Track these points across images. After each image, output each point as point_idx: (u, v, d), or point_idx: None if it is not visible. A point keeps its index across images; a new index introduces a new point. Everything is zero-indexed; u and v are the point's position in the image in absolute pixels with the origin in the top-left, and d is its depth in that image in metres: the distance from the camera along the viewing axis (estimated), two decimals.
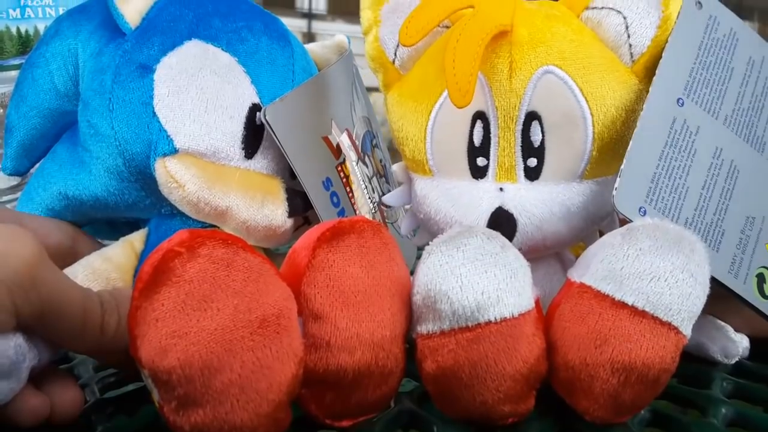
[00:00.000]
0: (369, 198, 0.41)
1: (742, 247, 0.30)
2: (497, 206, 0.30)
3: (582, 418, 0.27)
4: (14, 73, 0.51)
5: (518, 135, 0.31)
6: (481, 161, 0.32)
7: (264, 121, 0.32)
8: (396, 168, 0.36)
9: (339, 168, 0.38)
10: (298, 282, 0.24)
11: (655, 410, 0.29)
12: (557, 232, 0.31)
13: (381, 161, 0.45)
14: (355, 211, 0.38)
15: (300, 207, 0.34)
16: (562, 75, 0.30)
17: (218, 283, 0.22)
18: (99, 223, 0.37)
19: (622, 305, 0.24)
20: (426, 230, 0.35)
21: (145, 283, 0.21)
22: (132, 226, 0.36)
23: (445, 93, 0.32)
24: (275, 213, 0.33)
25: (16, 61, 0.35)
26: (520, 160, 0.31)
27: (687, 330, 0.24)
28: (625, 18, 0.32)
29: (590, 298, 0.25)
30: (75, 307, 0.24)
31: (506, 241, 0.27)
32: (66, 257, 0.33)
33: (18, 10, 0.52)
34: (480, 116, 0.31)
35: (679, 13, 0.31)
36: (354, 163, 0.40)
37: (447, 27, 0.34)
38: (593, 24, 0.32)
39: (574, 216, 0.31)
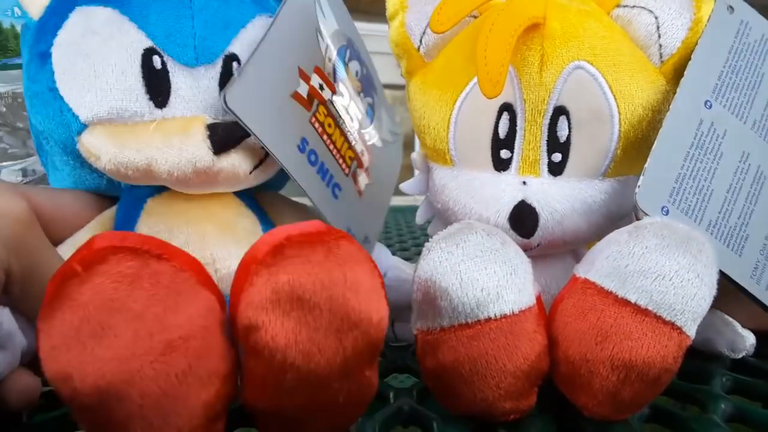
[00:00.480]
0: (348, 131, 0.38)
1: (766, 253, 0.30)
2: (520, 199, 0.30)
3: (582, 415, 0.27)
4: (18, 72, 0.50)
5: (545, 129, 0.31)
6: (504, 153, 0.31)
7: (227, 108, 0.30)
8: (415, 156, 0.36)
9: (313, 119, 0.35)
10: (236, 307, 0.22)
11: (655, 406, 0.30)
12: (577, 228, 0.31)
13: (357, 74, 0.41)
14: (335, 158, 0.36)
15: (224, 139, 0.31)
16: (592, 71, 0.30)
17: (117, 306, 0.20)
18: None
19: (625, 303, 0.24)
20: (441, 220, 0.35)
21: (44, 305, 0.19)
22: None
23: (471, 83, 0.31)
24: (197, 153, 0.30)
25: (19, 60, 0.34)
26: (545, 154, 0.31)
27: (691, 330, 0.24)
28: (656, 18, 0.31)
29: (593, 294, 0.25)
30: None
31: (506, 237, 0.27)
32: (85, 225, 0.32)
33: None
34: (507, 108, 0.31)
35: (710, 16, 0.31)
36: (329, 103, 0.37)
37: (475, 17, 0.34)
38: (623, 22, 0.32)
39: (594, 213, 0.31)
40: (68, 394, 0.19)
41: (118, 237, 0.20)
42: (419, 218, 0.37)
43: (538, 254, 0.32)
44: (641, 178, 0.28)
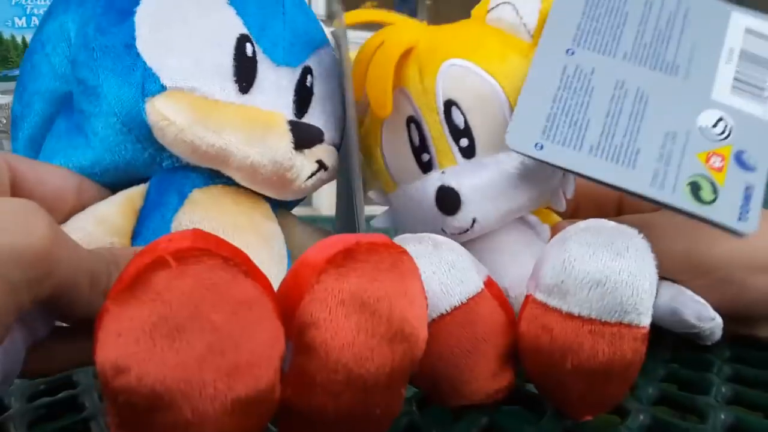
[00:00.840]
0: None
1: (664, 161, 0.31)
2: (439, 185, 0.34)
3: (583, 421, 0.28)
4: None
5: (443, 123, 0.35)
6: (425, 157, 0.36)
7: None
8: (371, 194, 0.41)
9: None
10: (296, 303, 0.22)
11: (654, 416, 0.30)
12: (507, 197, 0.34)
13: None
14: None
15: (306, 137, 0.32)
16: (464, 64, 0.35)
17: (199, 313, 0.19)
18: None
19: (571, 317, 0.26)
20: None
21: (123, 286, 0.18)
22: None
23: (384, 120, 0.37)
24: (279, 145, 0.30)
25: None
26: (453, 143, 0.35)
27: (642, 321, 0.25)
28: (513, 5, 0.36)
29: (542, 313, 0.27)
30: (84, 279, 0.22)
31: (438, 239, 0.29)
32: (64, 208, 0.30)
33: (24, 19, 0.50)
34: (411, 120, 0.36)
35: None
36: None
37: None
38: (496, 22, 0.37)
39: (518, 179, 0.34)
40: (117, 386, 0.18)
41: (213, 241, 0.20)
42: (375, 223, 0.41)
43: (483, 232, 0.35)
44: (510, 122, 0.32)
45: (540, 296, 0.27)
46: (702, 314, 0.34)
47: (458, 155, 0.35)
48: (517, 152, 0.31)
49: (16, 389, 0.35)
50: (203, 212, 0.30)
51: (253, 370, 0.20)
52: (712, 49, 0.34)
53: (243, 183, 0.31)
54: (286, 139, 0.31)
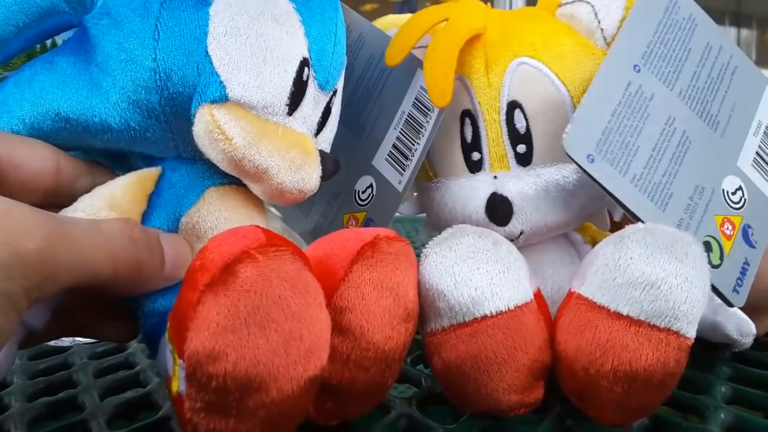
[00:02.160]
0: None
1: (689, 213, 0.31)
2: (492, 192, 0.32)
3: (586, 421, 0.28)
4: None
5: (503, 125, 0.33)
6: (475, 156, 0.34)
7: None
8: None
9: None
10: (331, 291, 0.24)
11: (656, 416, 0.30)
12: (556, 211, 0.32)
13: None
14: None
15: (331, 171, 0.32)
16: (536, 64, 0.32)
17: (281, 303, 0.21)
18: (92, 152, 0.32)
19: (618, 316, 0.25)
20: (438, 232, 0.36)
21: (214, 279, 0.20)
22: (128, 158, 0.32)
23: None
24: (311, 176, 0.30)
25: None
26: (510, 148, 0.33)
27: (689, 332, 0.24)
28: (593, 6, 0.34)
29: (587, 310, 0.26)
30: (103, 268, 0.23)
31: (498, 237, 0.28)
32: (42, 190, 0.28)
33: None
34: (467, 114, 0.34)
35: None
36: None
37: None
38: (567, 18, 0.35)
39: (571, 194, 0.32)
40: (212, 371, 0.20)
41: (277, 236, 0.22)
42: (422, 235, 0.39)
43: (526, 243, 0.33)
44: (569, 125, 0.30)
45: (586, 292, 0.26)
46: (743, 329, 0.34)
47: (512, 161, 0.33)
48: (571, 158, 0.29)
49: (16, 389, 0.35)
50: (217, 212, 0.30)
51: (319, 352, 0.22)
52: (745, 116, 0.34)
53: (258, 194, 0.31)
54: (317, 172, 0.31)
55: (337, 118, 0.35)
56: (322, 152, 0.32)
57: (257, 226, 0.22)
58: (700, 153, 0.32)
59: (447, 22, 0.33)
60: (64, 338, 0.44)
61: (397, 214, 0.36)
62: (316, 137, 0.33)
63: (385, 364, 0.26)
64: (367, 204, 0.36)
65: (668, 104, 0.32)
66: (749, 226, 0.32)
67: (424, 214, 0.39)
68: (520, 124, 0.32)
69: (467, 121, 0.34)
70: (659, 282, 0.24)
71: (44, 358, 0.42)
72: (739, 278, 0.31)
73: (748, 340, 0.34)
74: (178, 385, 0.21)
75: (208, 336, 0.19)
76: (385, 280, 0.25)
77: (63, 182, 0.29)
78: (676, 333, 0.24)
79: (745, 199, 0.33)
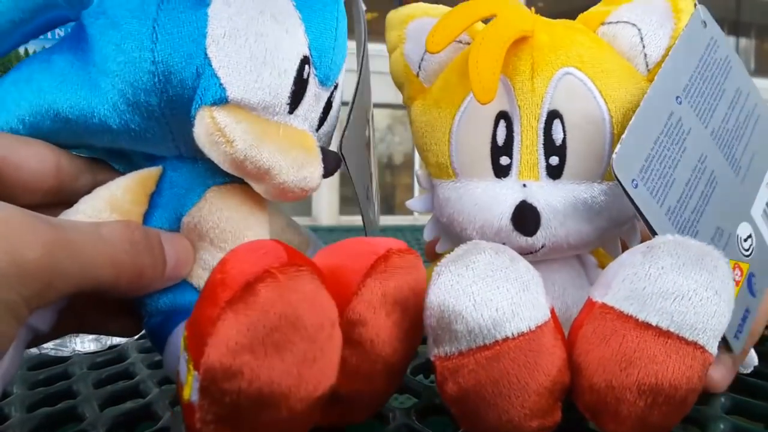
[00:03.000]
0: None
1: None
2: (521, 200, 0.31)
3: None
4: None
5: (540, 133, 0.32)
6: (504, 160, 0.32)
7: (341, 155, 0.31)
8: (419, 172, 0.37)
9: (369, 164, 0.39)
10: (343, 303, 0.24)
11: None
12: (580, 229, 0.31)
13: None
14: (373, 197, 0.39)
15: (333, 168, 0.32)
16: (581, 77, 0.31)
17: (299, 324, 0.21)
18: (94, 150, 0.32)
19: (646, 326, 0.24)
20: (448, 235, 0.36)
21: (236, 296, 0.20)
22: (129, 155, 0.32)
23: (468, 98, 0.33)
24: (313, 175, 0.30)
25: None
26: (543, 158, 0.32)
27: (713, 348, 0.24)
28: (639, 30, 0.33)
29: (613, 320, 0.25)
30: (105, 273, 0.23)
31: (514, 253, 0.27)
32: (42, 190, 0.28)
33: None
34: (503, 116, 0.32)
35: (687, 23, 0.33)
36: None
37: (468, 43, 0.36)
38: (609, 38, 0.34)
39: (596, 215, 0.31)
40: (227, 388, 0.20)
41: (296, 253, 0.22)
42: (426, 235, 0.38)
43: (542, 259, 0.32)
44: (619, 146, 0.29)
45: (612, 301, 0.25)
46: (746, 362, 0.33)
47: (543, 171, 0.32)
48: (618, 179, 0.28)
49: (15, 399, 0.35)
50: (219, 212, 0.30)
51: (330, 372, 0.23)
52: (761, 166, 0.34)
53: (260, 193, 0.30)
54: (319, 170, 0.31)
55: (338, 112, 0.35)
56: (323, 149, 0.31)
57: (278, 242, 0.22)
58: (723, 195, 0.32)
59: (495, 18, 0.32)
60: (63, 348, 0.44)
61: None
62: (317, 132, 0.33)
63: (391, 376, 0.27)
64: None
65: (702, 141, 0.32)
66: (753, 275, 0.32)
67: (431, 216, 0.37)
68: (558, 136, 0.31)
69: (502, 123, 0.32)
70: (690, 293, 0.24)
71: (44, 368, 0.42)
72: (740, 325, 0.31)
73: (749, 371, 0.34)
74: (190, 393, 0.21)
75: (226, 353, 0.20)
76: (397, 294, 0.26)
77: (64, 181, 0.29)
78: (702, 348, 0.24)
79: (753, 248, 0.33)
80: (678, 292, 0.24)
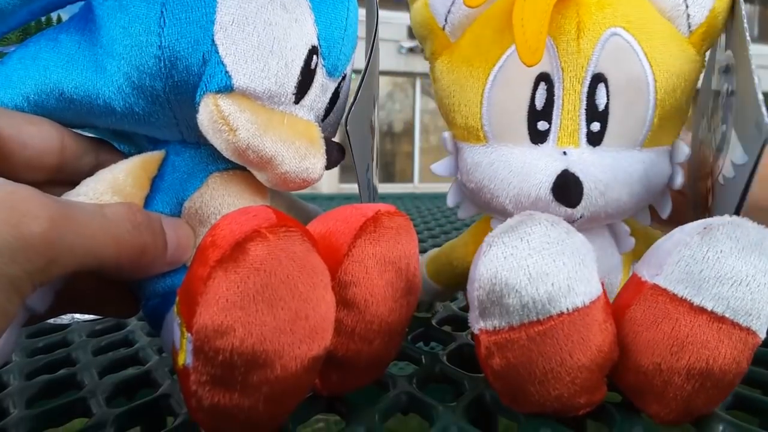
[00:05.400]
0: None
1: None
2: (563, 169, 0.29)
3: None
4: None
5: (583, 98, 0.30)
6: (542, 125, 0.31)
7: (345, 132, 0.30)
8: (446, 135, 0.35)
9: (371, 147, 0.38)
10: (335, 266, 0.25)
11: (649, 422, 0.29)
12: (619, 199, 0.30)
13: None
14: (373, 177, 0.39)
15: (336, 159, 0.32)
16: (628, 38, 0.30)
17: (290, 282, 0.21)
18: (98, 130, 0.32)
19: (701, 310, 0.24)
20: (474, 202, 0.34)
21: (225, 255, 0.20)
22: (132, 137, 0.32)
23: (504, 55, 0.31)
24: (315, 166, 0.30)
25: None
26: (584, 123, 0.30)
27: (764, 332, 0.24)
28: None
29: (666, 302, 0.24)
30: (108, 252, 0.23)
31: (569, 226, 0.26)
32: (47, 168, 0.28)
33: None
34: (544, 78, 0.30)
35: None
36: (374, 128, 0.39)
37: None
38: None
39: (635, 184, 0.30)
40: (219, 345, 0.20)
41: (286, 217, 0.22)
42: (450, 201, 0.36)
43: (579, 229, 0.30)
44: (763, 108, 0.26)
45: (665, 283, 0.24)
46: None
47: (584, 138, 0.30)
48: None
49: (15, 366, 0.35)
50: (220, 198, 0.30)
51: (323, 332, 0.23)
52: None
53: (261, 181, 0.30)
54: (322, 161, 0.31)
55: (345, 103, 0.35)
56: (327, 140, 0.31)
57: (268, 206, 0.23)
58: None
59: None
60: (63, 316, 0.44)
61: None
62: (323, 122, 0.33)
63: (389, 337, 0.27)
64: None
65: None
66: None
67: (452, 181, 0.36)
68: (601, 101, 0.30)
69: (542, 85, 0.30)
70: (749, 279, 0.23)
71: (43, 336, 0.42)
72: None
73: None
74: (184, 358, 0.21)
75: (217, 311, 0.20)
76: (388, 254, 0.26)
77: (68, 160, 0.29)
78: (755, 333, 0.23)
79: None
80: (736, 278, 0.23)
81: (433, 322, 0.43)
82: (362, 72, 0.33)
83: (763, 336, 0.24)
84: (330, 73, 0.31)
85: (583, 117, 0.30)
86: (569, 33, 0.30)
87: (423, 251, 0.61)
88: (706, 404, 0.25)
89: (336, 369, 0.27)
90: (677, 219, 0.31)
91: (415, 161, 7.21)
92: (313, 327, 0.22)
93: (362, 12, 0.35)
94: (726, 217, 0.25)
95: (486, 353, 0.25)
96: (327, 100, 0.32)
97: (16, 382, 0.33)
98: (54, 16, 0.32)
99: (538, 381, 0.25)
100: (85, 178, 0.29)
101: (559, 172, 0.29)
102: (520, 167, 0.30)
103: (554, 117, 0.30)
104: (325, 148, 0.31)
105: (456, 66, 0.33)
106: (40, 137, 0.28)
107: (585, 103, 0.30)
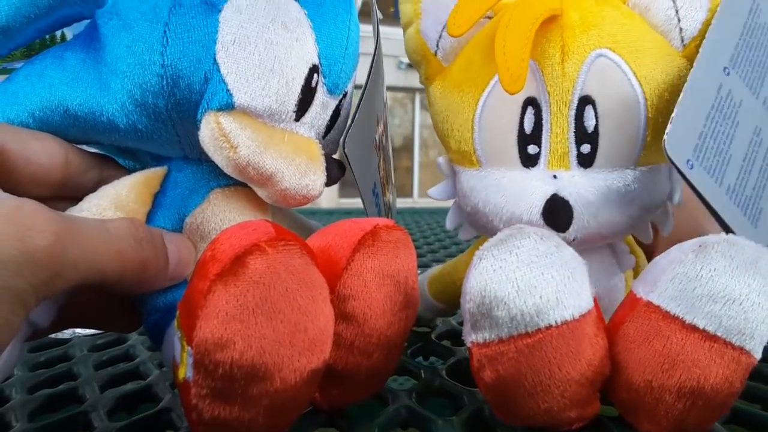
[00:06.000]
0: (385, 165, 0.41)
1: None
2: (552, 193, 0.29)
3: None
4: None
5: (571, 120, 0.30)
6: (532, 149, 0.31)
7: (344, 153, 0.31)
8: (441, 160, 0.35)
9: (378, 166, 0.38)
10: (334, 280, 0.25)
11: None
12: (613, 220, 0.30)
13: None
14: (383, 198, 0.39)
15: (336, 176, 0.32)
16: (615, 58, 0.29)
17: (289, 295, 0.21)
18: (100, 146, 0.32)
19: (693, 328, 0.24)
20: (472, 225, 0.35)
21: (225, 269, 0.20)
22: (136, 153, 0.32)
23: (492, 81, 0.31)
24: (315, 183, 0.30)
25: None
26: (574, 146, 0.30)
27: (758, 353, 0.24)
28: (674, 2, 0.31)
29: (658, 320, 0.24)
30: (111, 266, 0.23)
31: (560, 239, 0.26)
32: (51, 184, 0.28)
33: None
34: (531, 102, 0.30)
35: None
36: (381, 147, 0.40)
37: (489, 18, 0.34)
38: (641, 9, 0.32)
39: (630, 203, 0.30)
40: (219, 358, 0.20)
41: (285, 231, 0.22)
42: (449, 224, 0.36)
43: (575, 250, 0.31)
44: (669, 125, 0.27)
45: (659, 300, 0.24)
46: None
47: (574, 161, 0.30)
48: (672, 162, 0.27)
49: (16, 380, 0.35)
50: (221, 214, 0.30)
51: (322, 345, 0.23)
52: None
53: (262, 197, 0.30)
54: (322, 178, 0.31)
55: (347, 119, 0.35)
56: (328, 157, 0.32)
57: (267, 221, 0.23)
58: None
59: None
60: (64, 330, 0.44)
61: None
62: (324, 139, 0.33)
63: (388, 350, 0.27)
64: None
65: (755, 113, 0.30)
66: None
67: (452, 203, 0.36)
68: (590, 122, 0.30)
69: (530, 109, 0.31)
70: (742, 298, 0.23)
71: (45, 350, 0.42)
72: None
73: None
74: (185, 371, 0.21)
75: (217, 324, 0.20)
76: (386, 267, 0.26)
77: (71, 176, 0.29)
78: (748, 353, 0.23)
79: None
80: (729, 296, 0.23)
81: (433, 336, 0.43)
82: (361, 91, 0.34)
83: (758, 356, 0.24)
84: (331, 91, 0.32)
85: (573, 139, 0.30)
86: (554, 57, 0.30)
87: (422, 266, 0.61)
88: (698, 423, 0.25)
89: (335, 383, 0.27)
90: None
91: (414, 176, 7.22)
92: (312, 340, 0.22)
93: (365, 28, 0.35)
94: (722, 235, 0.25)
95: (478, 366, 0.26)
96: (327, 118, 0.33)
97: (18, 396, 0.34)
98: (58, 33, 0.33)
99: (527, 394, 0.25)
100: (88, 193, 0.29)
101: (548, 196, 0.29)
102: (512, 192, 0.30)
103: (543, 140, 0.30)
104: (325, 165, 0.31)
105: (448, 91, 0.34)
106: (44, 153, 0.28)
107: (573, 125, 0.30)
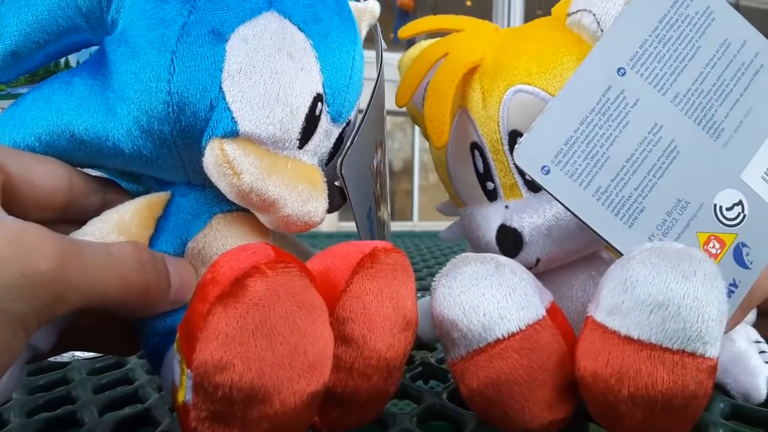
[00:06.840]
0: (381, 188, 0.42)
1: (663, 229, 0.29)
2: (500, 223, 0.33)
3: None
4: None
5: (508, 154, 0.33)
6: (489, 185, 0.34)
7: (340, 175, 0.32)
8: (438, 206, 0.41)
9: (374, 191, 0.39)
10: (333, 302, 0.25)
11: None
12: (572, 235, 0.32)
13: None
14: (377, 214, 0.40)
15: (338, 204, 0.33)
16: (532, 90, 0.32)
17: (288, 318, 0.22)
18: (105, 170, 0.33)
19: (629, 340, 0.24)
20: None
21: (225, 291, 0.20)
22: (140, 177, 0.33)
23: (451, 132, 0.35)
24: (317, 210, 0.30)
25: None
26: (518, 176, 0.33)
27: (709, 351, 0.24)
28: (594, 14, 0.33)
29: (600, 335, 0.25)
30: (113, 290, 0.23)
31: (502, 260, 0.28)
32: (54, 208, 0.29)
33: None
34: (475, 146, 0.34)
35: None
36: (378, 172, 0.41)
37: None
38: (577, 28, 0.34)
39: None
40: (219, 381, 0.20)
41: (285, 253, 0.23)
42: (443, 234, 0.41)
43: (549, 268, 0.33)
44: (524, 135, 0.29)
45: (599, 317, 0.25)
46: (750, 397, 0.32)
47: (524, 188, 0.33)
48: (519, 169, 0.29)
49: (15, 404, 0.35)
50: (223, 239, 0.30)
51: (322, 367, 0.23)
52: (764, 123, 0.31)
53: (264, 223, 0.31)
54: (324, 205, 0.31)
55: (348, 143, 0.35)
56: (330, 184, 0.32)
57: (267, 243, 0.23)
58: (689, 164, 0.30)
59: (446, 56, 0.33)
60: (63, 354, 0.44)
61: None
62: (327, 166, 0.33)
63: (387, 372, 0.27)
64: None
65: (656, 110, 0.30)
66: (744, 245, 0.30)
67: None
68: None
69: (476, 153, 0.34)
70: (666, 303, 0.23)
71: (44, 373, 0.42)
72: None
73: (754, 404, 0.33)
74: (184, 394, 0.21)
75: (216, 346, 0.20)
76: (385, 289, 0.26)
77: (75, 199, 0.29)
78: (692, 354, 0.23)
79: (743, 215, 0.30)
80: (654, 303, 0.24)
81: (433, 360, 0.43)
82: (362, 116, 0.35)
83: (711, 354, 0.23)
84: (334, 119, 0.32)
85: (515, 170, 0.33)
86: (477, 102, 0.33)
87: (422, 289, 0.61)
88: (669, 428, 0.25)
89: (335, 406, 0.27)
90: None
91: (414, 199, 7.20)
92: (312, 362, 0.22)
93: (368, 54, 0.36)
94: (647, 245, 0.26)
95: (456, 381, 0.28)
96: (330, 145, 0.33)
97: (17, 420, 0.33)
98: (62, 60, 0.34)
99: (495, 403, 0.27)
100: (92, 217, 0.29)
101: (497, 226, 0.32)
102: (480, 224, 0.34)
103: (494, 176, 0.34)
104: (327, 192, 0.31)
105: (432, 146, 0.37)
106: (48, 177, 0.28)
107: (512, 159, 0.31)
